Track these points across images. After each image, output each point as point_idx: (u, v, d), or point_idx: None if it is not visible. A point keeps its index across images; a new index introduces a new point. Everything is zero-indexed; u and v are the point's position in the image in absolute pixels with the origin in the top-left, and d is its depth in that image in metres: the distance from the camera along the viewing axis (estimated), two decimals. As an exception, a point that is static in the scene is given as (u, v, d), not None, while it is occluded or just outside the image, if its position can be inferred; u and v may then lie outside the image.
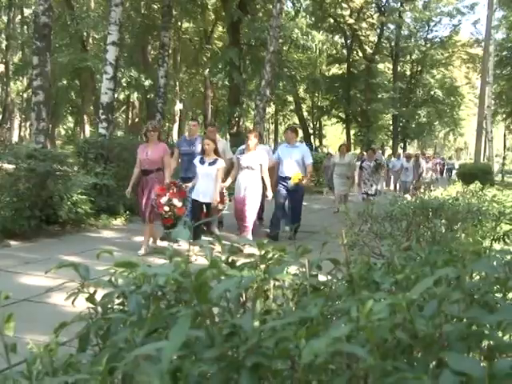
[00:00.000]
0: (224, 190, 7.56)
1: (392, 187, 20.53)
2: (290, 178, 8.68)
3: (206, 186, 7.15)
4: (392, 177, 20.20)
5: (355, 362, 0.93)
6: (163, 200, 6.96)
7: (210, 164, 7.19)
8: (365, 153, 15.90)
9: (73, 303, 1.32)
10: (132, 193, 7.58)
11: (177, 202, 6.98)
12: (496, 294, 1.16)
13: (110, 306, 1.28)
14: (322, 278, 1.41)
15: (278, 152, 9.27)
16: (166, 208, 6.96)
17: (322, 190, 18.41)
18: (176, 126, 32.35)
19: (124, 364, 0.93)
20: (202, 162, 7.26)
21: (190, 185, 7.34)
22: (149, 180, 7.32)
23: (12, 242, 7.54)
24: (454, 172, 31.30)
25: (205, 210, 7.24)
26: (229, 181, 8.00)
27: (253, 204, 8.03)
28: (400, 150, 36.56)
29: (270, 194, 8.29)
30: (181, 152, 8.47)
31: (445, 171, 35.35)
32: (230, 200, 7.82)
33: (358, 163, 13.65)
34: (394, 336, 0.92)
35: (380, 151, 20.71)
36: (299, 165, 8.89)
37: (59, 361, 1.18)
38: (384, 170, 17.78)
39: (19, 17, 32.90)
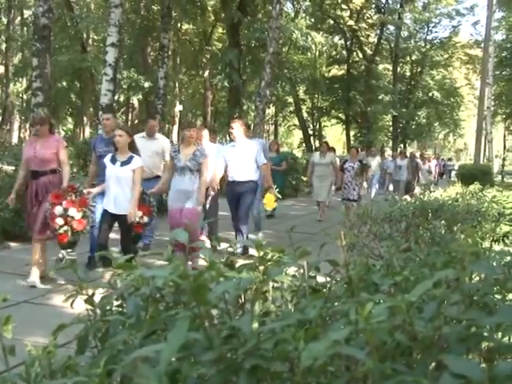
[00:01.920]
0: (151, 198, 6.10)
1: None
2: (237, 183, 7.25)
3: (118, 192, 5.64)
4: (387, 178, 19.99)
5: (354, 365, 0.93)
6: (57, 210, 5.33)
7: (123, 164, 5.67)
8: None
9: (71, 305, 1.32)
10: (17, 202, 5.89)
11: (75, 213, 5.36)
12: (495, 296, 1.16)
13: (108, 308, 1.28)
14: (320, 279, 1.41)
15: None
16: (60, 221, 5.31)
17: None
18: (176, 128, 32.34)
19: (122, 366, 0.93)
20: (113, 161, 5.73)
21: (94, 190, 5.85)
22: (40, 184, 5.64)
23: (12, 244, 7.54)
24: (453, 173, 31.24)
25: (118, 225, 5.78)
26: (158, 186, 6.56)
27: (193, 216, 6.11)
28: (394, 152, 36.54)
29: (201, 199, 6.37)
30: (98, 154, 6.68)
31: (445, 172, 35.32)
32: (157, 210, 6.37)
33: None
34: (393, 338, 0.92)
35: (373, 149, 20.31)
36: (251, 166, 7.30)
37: (58, 363, 1.17)
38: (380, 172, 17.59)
39: (19, 18, 32.94)
